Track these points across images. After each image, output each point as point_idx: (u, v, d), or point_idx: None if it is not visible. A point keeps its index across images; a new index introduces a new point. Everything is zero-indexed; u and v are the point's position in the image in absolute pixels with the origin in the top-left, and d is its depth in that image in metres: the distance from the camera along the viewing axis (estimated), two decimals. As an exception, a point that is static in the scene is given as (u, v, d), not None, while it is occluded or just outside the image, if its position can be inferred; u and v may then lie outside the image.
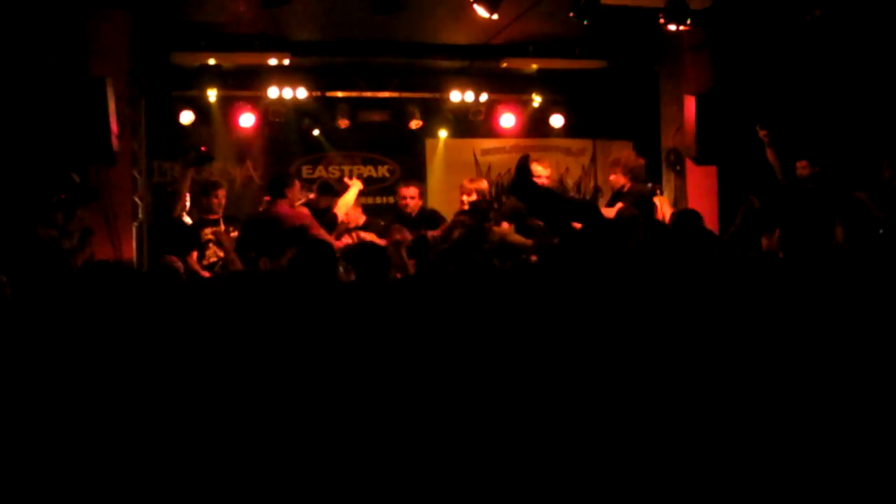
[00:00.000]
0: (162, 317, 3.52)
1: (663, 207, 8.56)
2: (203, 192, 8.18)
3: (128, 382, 2.79)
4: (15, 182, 7.17)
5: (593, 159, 13.03)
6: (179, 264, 6.91)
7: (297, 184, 8.36)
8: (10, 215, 6.72)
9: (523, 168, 7.36)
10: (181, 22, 9.99)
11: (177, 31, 10.32)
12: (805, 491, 2.59)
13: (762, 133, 8.65)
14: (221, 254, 8.05)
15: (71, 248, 6.82)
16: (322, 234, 7.50)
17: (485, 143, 12.86)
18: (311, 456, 2.61)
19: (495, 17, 8.51)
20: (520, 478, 2.56)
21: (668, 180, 11.20)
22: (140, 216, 9.61)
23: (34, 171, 7.60)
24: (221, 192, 8.30)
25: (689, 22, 8.66)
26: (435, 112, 12.31)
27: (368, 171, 12.51)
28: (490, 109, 12.43)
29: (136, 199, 9.63)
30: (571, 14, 8.54)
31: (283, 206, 7.85)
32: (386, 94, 12.05)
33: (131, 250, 8.91)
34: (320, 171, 12.33)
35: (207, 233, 8.25)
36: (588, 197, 12.66)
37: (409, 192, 9.53)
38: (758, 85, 9.68)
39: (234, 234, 8.42)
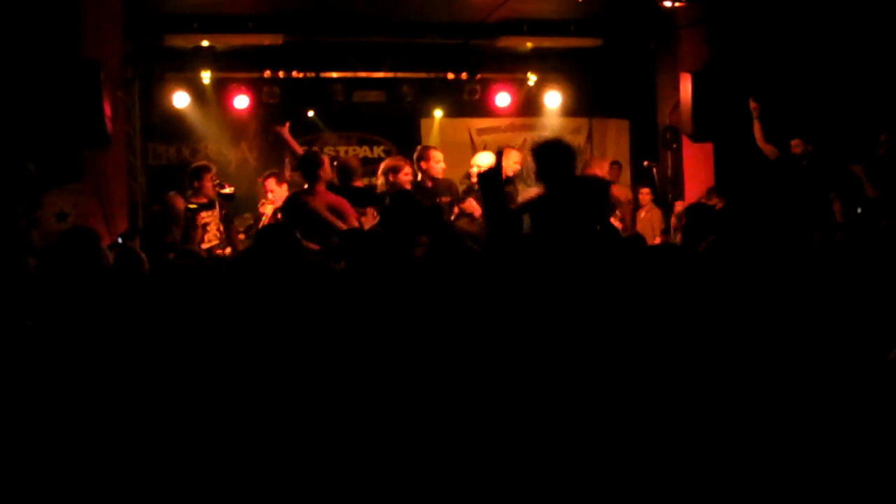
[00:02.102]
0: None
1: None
2: (193, 176, 8.11)
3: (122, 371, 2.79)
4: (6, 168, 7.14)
5: (589, 138, 12.99)
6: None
7: (326, 160, 7.96)
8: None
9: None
10: (174, 3, 9.94)
11: (170, 13, 10.27)
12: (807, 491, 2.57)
13: (753, 106, 8.64)
14: (218, 239, 8.02)
15: (41, 236, 6.80)
16: (353, 222, 7.13)
17: (480, 123, 12.83)
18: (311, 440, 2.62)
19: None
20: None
21: (665, 157, 11.20)
22: (135, 199, 9.61)
23: (27, 156, 7.57)
24: (211, 175, 8.22)
25: (684, -2, 8.63)
26: (430, 92, 12.27)
27: (364, 151, 12.48)
28: (485, 89, 12.37)
29: (131, 183, 9.62)
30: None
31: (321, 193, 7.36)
32: (381, 75, 12.00)
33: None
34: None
35: (204, 216, 8.18)
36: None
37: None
38: (754, 61, 9.65)
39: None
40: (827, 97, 9.07)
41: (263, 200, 8.68)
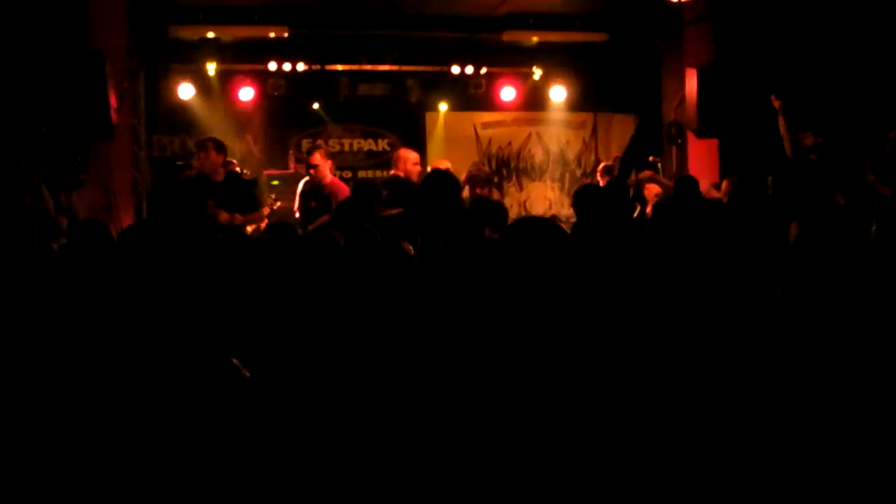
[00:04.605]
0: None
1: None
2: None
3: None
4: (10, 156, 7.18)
5: (594, 132, 12.99)
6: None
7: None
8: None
9: None
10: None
11: (175, 4, 10.26)
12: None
13: (777, 103, 8.57)
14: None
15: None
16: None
17: (485, 117, 12.83)
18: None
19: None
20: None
21: (670, 153, 11.19)
22: (140, 190, 9.60)
23: (33, 143, 7.59)
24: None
25: (691, -6, 8.60)
26: (435, 85, 12.25)
27: (368, 144, 12.48)
28: (490, 82, 12.36)
29: (135, 174, 9.62)
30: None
31: None
32: (386, 68, 11.98)
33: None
34: (320, 145, 12.29)
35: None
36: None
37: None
38: (759, 58, 9.62)
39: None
40: (834, 93, 9.05)
41: None
